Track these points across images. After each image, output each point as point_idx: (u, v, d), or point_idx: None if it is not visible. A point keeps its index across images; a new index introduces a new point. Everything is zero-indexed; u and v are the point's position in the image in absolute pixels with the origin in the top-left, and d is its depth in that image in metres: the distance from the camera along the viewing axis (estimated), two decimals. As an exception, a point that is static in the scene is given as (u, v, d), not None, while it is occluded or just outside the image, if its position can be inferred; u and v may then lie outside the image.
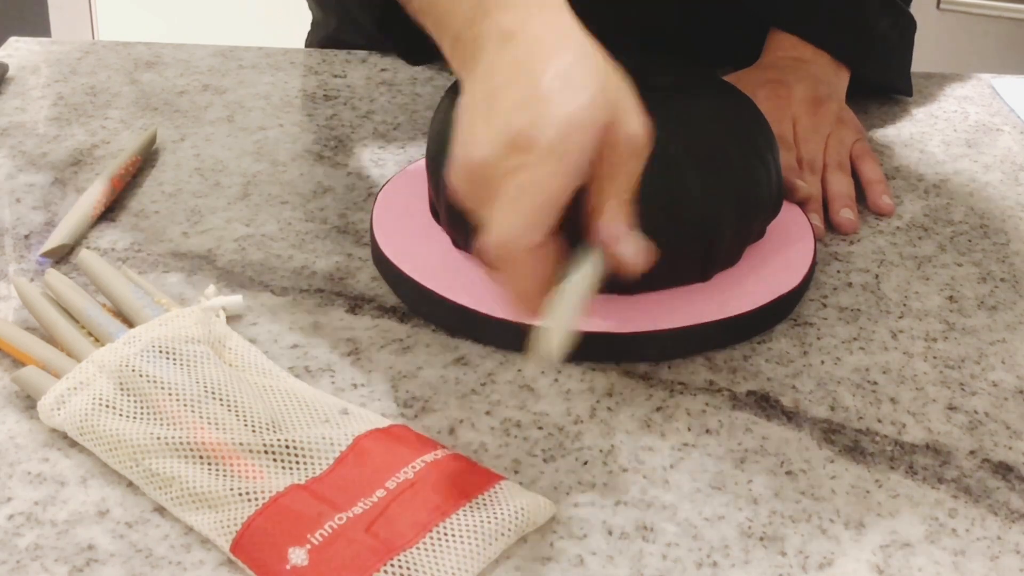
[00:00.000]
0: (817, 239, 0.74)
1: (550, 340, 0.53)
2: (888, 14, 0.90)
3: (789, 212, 0.74)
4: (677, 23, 0.89)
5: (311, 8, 1.06)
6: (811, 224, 0.73)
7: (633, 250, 0.55)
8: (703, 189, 0.63)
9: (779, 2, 0.89)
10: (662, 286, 0.65)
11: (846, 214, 0.77)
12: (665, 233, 0.63)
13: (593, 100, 0.53)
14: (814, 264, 0.70)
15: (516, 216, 0.52)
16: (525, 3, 0.57)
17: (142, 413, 0.55)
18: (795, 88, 0.84)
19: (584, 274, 0.55)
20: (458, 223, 0.68)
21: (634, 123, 0.54)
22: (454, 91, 0.69)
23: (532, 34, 0.55)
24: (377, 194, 0.74)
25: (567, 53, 0.55)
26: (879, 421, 0.60)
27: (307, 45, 1.06)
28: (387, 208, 0.72)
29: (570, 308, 0.54)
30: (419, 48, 0.75)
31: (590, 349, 0.63)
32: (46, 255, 0.69)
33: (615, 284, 0.64)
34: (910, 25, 0.92)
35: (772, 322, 0.66)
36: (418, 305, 0.66)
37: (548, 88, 0.53)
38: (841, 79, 0.88)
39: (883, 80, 0.93)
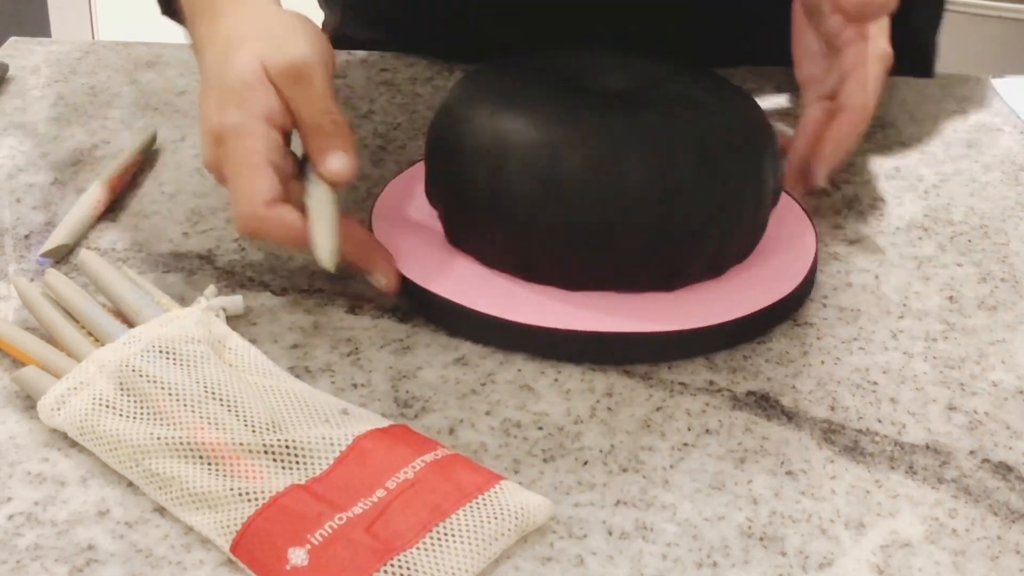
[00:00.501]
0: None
1: (322, 255, 0.61)
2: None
3: (790, 213, 0.74)
4: (675, 23, 0.89)
5: (321, 7, 1.06)
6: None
7: (333, 165, 0.63)
8: (700, 189, 0.63)
9: None
10: (661, 287, 0.66)
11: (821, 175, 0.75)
12: (661, 232, 0.63)
13: (247, 62, 0.62)
14: (815, 266, 0.70)
15: (240, 195, 0.61)
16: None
17: (142, 413, 0.55)
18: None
19: (321, 190, 0.63)
20: (451, 219, 0.68)
21: (289, 53, 0.62)
22: (459, 86, 0.69)
23: (212, 32, 0.66)
24: (377, 195, 0.74)
25: (227, 35, 0.65)
26: (879, 421, 0.60)
27: None
28: (387, 209, 0.72)
29: (327, 222, 0.62)
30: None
31: (589, 350, 0.63)
32: (46, 255, 0.69)
33: (615, 281, 0.65)
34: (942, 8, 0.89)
35: (773, 324, 0.66)
36: (417, 306, 0.66)
37: (219, 76, 0.63)
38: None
39: (917, 24, 0.88)
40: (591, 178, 0.62)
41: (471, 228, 0.67)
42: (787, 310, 0.67)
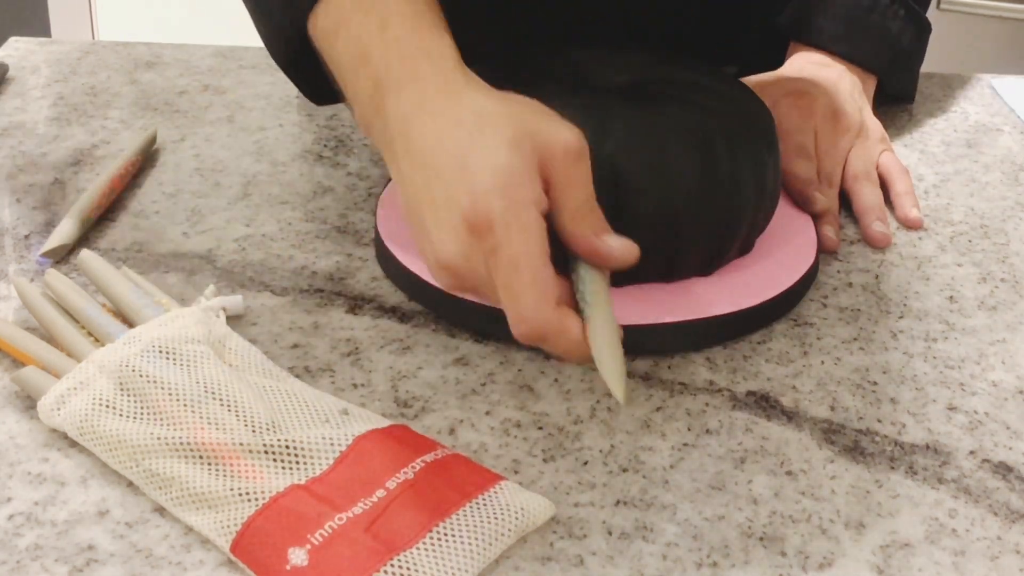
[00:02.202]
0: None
1: (614, 384, 0.53)
2: (911, 23, 0.88)
3: (791, 210, 0.74)
4: (679, 26, 0.89)
5: None
6: (822, 235, 0.74)
7: (617, 249, 0.56)
8: (703, 185, 0.64)
9: (801, 19, 0.88)
10: (661, 279, 0.66)
11: (879, 227, 0.76)
12: (665, 226, 0.64)
13: (511, 145, 0.53)
14: (816, 262, 0.70)
15: (524, 297, 0.52)
16: (414, 78, 0.57)
17: (142, 413, 0.55)
18: (818, 100, 0.82)
19: (600, 301, 0.55)
20: None
21: (562, 133, 0.55)
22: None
23: (430, 114, 0.56)
24: (380, 194, 0.74)
25: (467, 117, 0.55)
26: (879, 421, 0.60)
27: None
28: (391, 206, 0.72)
29: (610, 345, 0.54)
30: (328, 92, 0.69)
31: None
32: (46, 255, 0.69)
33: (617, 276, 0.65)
34: (927, 32, 0.90)
35: (772, 319, 0.67)
36: (426, 303, 0.66)
37: (466, 160, 0.54)
38: (867, 87, 0.87)
39: (905, 91, 0.92)
40: (606, 174, 0.63)
41: None
42: (787, 305, 0.67)
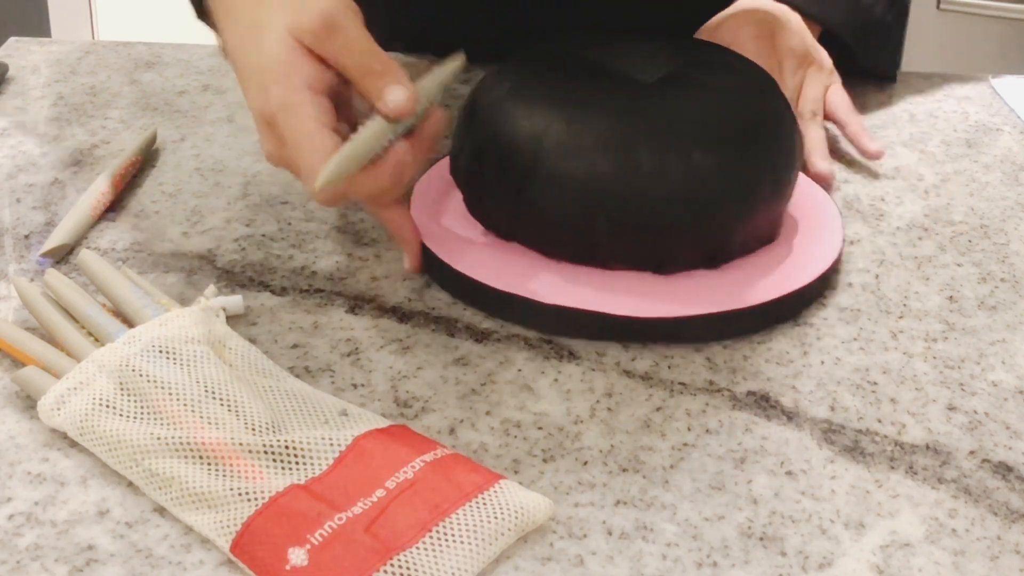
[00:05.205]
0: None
1: (318, 172, 0.58)
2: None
3: (818, 207, 0.74)
4: (671, 16, 0.89)
5: None
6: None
7: (393, 97, 0.61)
8: (713, 171, 0.64)
9: None
10: (670, 270, 0.66)
11: (824, 164, 0.79)
12: (675, 215, 0.64)
13: (277, 41, 0.60)
14: (838, 262, 0.70)
15: (309, 169, 0.59)
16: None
17: (142, 413, 0.55)
18: (779, 33, 0.84)
19: (374, 123, 0.61)
20: (481, 201, 0.70)
21: (309, 13, 0.60)
22: (490, 76, 0.71)
23: (243, 19, 0.64)
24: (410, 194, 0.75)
25: (257, 14, 0.62)
26: (879, 421, 0.60)
27: None
28: (425, 187, 0.74)
29: (351, 146, 0.60)
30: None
31: (594, 327, 0.64)
32: (46, 255, 0.69)
33: (614, 259, 0.66)
34: (905, 9, 0.92)
35: (775, 320, 0.67)
36: (438, 278, 0.68)
37: (258, 57, 0.61)
38: (813, 31, 0.88)
39: (875, 62, 0.94)
40: (627, 167, 0.64)
41: (516, 213, 0.68)
42: (792, 308, 0.67)
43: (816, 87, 0.84)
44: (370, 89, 0.61)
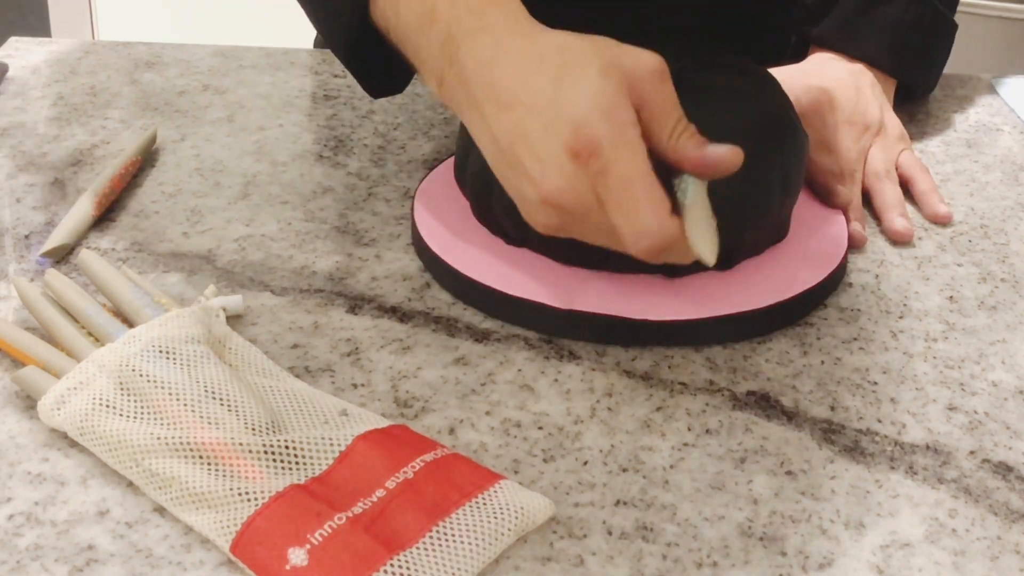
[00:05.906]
0: (858, 246, 0.75)
1: (703, 249, 0.55)
2: (938, 24, 0.88)
3: (821, 211, 0.74)
4: (698, 20, 0.89)
5: None
6: (850, 231, 0.74)
7: (725, 155, 0.56)
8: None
9: (825, 22, 0.88)
10: (678, 273, 0.67)
11: (902, 222, 0.76)
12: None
13: (601, 72, 0.55)
14: (835, 272, 0.70)
15: (643, 211, 0.54)
16: (486, 26, 0.58)
17: (142, 413, 0.55)
18: (839, 96, 0.82)
19: (693, 187, 0.57)
20: (483, 201, 0.70)
21: (644, 58, 0.56)
22: None
23: (511, 56, 0.57)
24: (414, 195, 0.74)
25: (550, 54, 0.56)
26: (879, 421, 0.60)
27: (316, 45, 1.06)
28: (430, 188, 0.74)
29: (703, 219, 0.56)
30: (386, 84, 0.72)
31: (602, 330, 0.64)
32: (46, 255, 0.69)
33: (622, 264, 0.66)
34: (952, 34, 0.90)
35: (779, 324, 0.67)
36: (438, 275, 0.68)
37: (559, 92, 0.55)
38: (887, 87, 0.87)
39: (926, 90, 0.93)
40: None
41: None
42: (797, 311, 0.67)
43: (885, 150, 0.82)
44: (687, 147, 0.56)
